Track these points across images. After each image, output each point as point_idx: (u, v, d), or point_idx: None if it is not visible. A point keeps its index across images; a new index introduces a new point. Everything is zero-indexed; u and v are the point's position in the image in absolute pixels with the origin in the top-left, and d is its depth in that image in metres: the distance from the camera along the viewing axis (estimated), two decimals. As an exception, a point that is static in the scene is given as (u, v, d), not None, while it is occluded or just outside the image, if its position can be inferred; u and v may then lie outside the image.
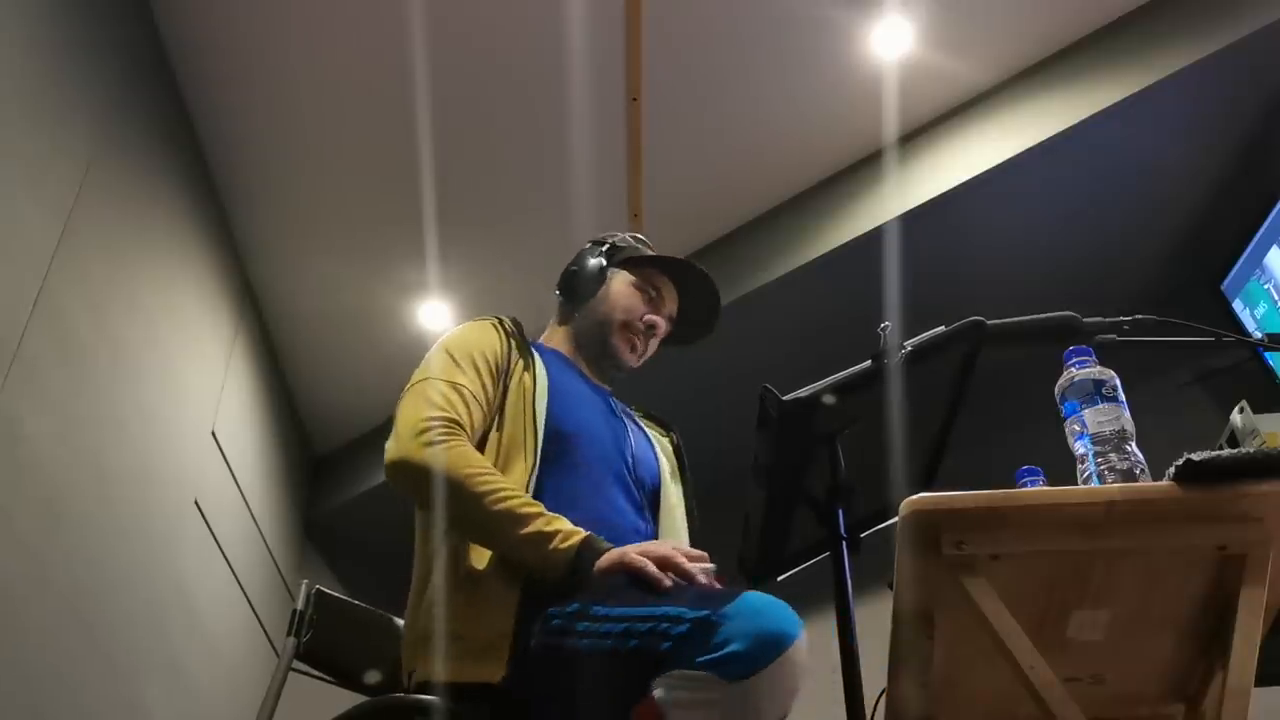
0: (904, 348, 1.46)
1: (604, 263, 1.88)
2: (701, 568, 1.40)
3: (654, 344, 1.89)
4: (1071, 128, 3.14)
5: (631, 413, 1.90)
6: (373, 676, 2.14)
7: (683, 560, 1.39)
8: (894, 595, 1.33)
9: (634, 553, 1.40)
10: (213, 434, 3.60)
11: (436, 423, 1.53)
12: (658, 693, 1.27)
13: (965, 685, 1.43)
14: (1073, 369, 1.36)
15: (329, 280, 4.00)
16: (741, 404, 1.82)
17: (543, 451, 1.60)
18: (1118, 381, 1.34)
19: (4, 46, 2.43)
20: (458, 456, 1.50)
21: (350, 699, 1.64)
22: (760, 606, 1.28)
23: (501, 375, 1.68)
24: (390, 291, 4.03)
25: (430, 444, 1.51)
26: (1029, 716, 1.21)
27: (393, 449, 1.54)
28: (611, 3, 3.14)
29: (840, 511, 1.53)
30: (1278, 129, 3.13)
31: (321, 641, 2.16)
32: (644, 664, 1.30)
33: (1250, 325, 3.17)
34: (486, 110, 3.44)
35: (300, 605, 2.17)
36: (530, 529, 1.44)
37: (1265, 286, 3.11)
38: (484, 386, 1.64)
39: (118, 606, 2.82)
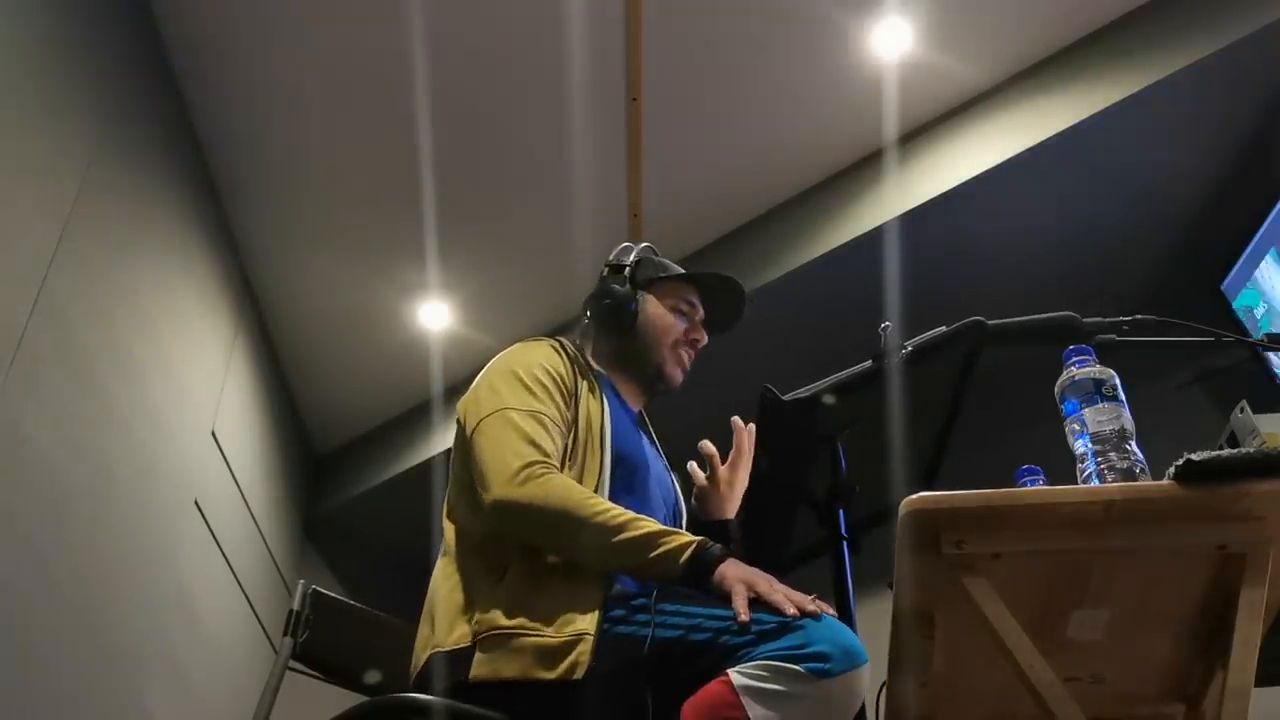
0: (904, 348, 1.46)
1: (631, 290, 1.88)
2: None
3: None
4: (1071, 128, 3.14)
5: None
6: (371, 676, 2.15)
7: (809, 604, 1.34)
8: (894, 595, 1.33)
9: (765, 583, 1.37)
10: (213, 434, 3.60)
11: (528, 456, 1.52)
12: (736, 678, 1.26)
13: (965, 685, 1.43)
14: (1073, 368, 1.36)
15: (329, 280, 4.00)
16: (741, 403, 1.82)
17: (610, 481, 1.60)
18: (1117, 380, 1.34)
19: (4, 47, 2.43)
20: (559, 488, 1.49)
21: (350, 699, 1.64)
22: (834, 623, 1.32)
23: (572, 398, 1.67)
24: (390, 291, 4.03)
25: (528, 480, 1.49)
26: (1029, 716, 1.21)
27: (491, 492, 1.51)
28: (611, 3, 3.14)
29: (841, 512, 1.53)
30: (1278, 129, 3.13)
31: (318, 641, 2.17)
32: (711, 656, 1.31)
33: (1250, 325, 3.17)
34: (486, 110, 3.44)
35: (297, 605, 2.18)
36: (655, 552, 1.42)
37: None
38: (560, 411, 1.63)
39: (118, 606, 2.82)
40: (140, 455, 3.03)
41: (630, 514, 1.46)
